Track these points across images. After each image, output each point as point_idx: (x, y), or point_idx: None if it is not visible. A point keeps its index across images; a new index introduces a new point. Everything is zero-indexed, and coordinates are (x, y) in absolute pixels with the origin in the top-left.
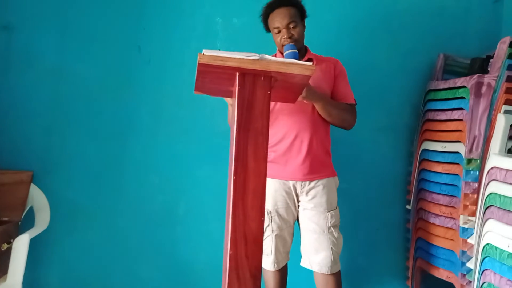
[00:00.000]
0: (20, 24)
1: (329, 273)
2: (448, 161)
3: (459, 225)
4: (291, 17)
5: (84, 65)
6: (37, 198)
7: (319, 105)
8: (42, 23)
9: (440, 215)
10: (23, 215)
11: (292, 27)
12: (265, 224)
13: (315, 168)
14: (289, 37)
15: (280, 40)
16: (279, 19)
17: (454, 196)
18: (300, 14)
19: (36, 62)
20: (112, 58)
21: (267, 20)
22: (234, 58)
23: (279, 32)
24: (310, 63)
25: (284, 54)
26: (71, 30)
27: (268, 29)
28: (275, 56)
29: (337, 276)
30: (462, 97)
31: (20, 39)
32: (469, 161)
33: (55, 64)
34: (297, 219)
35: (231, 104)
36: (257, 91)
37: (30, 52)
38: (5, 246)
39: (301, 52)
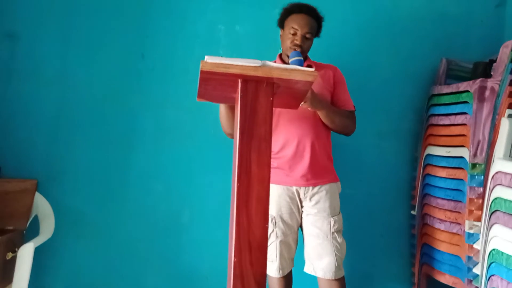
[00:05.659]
0: (24, 32)
1: (333, 278)
2: (453, 166)
3: (464, 230)
4: (311, 28)
5: (88, 73)
6: (42, 207)
7: (323, 113)
8: (46, 31)
9: (445, 221)
10: (28, 223)
11: (307, 38)
12: (270, 230)
13: (318, 173)
14: (300, 46)
15: (290, 42)
16: (302, 23)
17: (459, 201)
18: (316, 32)
19: (40, 70)
20: (115, 66)
21: (287, 17)
22: (237, 65)
23: (294, 34)
24: (313, 69)
25: (290, 60)
26: (75, 38)
27: (281, 25)
28: (276, 62)
29: (341, 282)
30: (465, 102)
31: (24, 47)
32: (474, 165)
33: (59, 72)
34: (301, 225)
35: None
36: (260, 97)
37: (34, 60)
38: (10, 255)
39: None
